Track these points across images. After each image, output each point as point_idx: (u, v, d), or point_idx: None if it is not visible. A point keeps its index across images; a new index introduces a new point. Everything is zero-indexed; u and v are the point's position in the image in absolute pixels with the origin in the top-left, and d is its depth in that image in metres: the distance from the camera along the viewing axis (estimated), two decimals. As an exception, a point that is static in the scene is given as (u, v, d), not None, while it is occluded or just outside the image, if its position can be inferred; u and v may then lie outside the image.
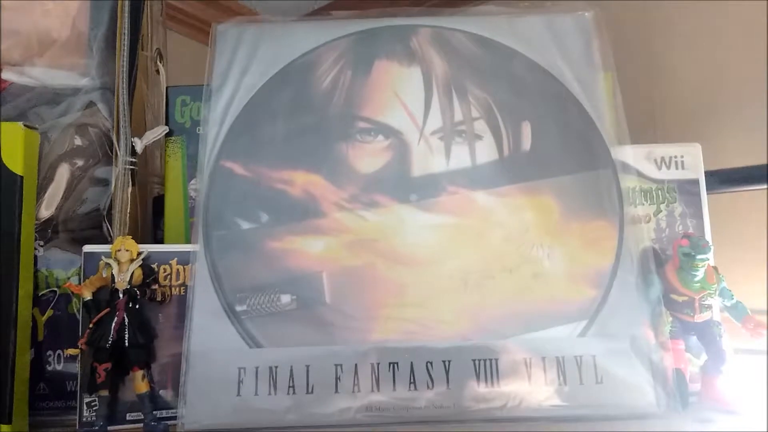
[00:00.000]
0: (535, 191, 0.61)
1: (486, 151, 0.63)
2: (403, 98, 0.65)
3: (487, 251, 0.59)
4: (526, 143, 0.63)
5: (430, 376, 0.55)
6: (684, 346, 0.57)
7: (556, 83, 0.65)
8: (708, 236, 0.62)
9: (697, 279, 0.56)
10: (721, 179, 0.65)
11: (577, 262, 0.59)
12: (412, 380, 0.55)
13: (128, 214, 0.64)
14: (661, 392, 0.55)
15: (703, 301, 0.57)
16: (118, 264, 0.56)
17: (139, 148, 0.64)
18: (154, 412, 0.55)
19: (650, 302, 0.57)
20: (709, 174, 0.64)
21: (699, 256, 0.55)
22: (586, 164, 0.62)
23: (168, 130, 0.68)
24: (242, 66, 0.66)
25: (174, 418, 0.54)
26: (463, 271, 0.59)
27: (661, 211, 0.62)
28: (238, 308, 0.58)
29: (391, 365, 0.55)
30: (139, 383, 0.54)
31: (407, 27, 0.68)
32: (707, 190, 0.63)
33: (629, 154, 0.63)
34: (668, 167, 0.63)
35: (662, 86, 0.83)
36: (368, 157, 0.63)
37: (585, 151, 0.62)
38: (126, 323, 0.54)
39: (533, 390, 0.55)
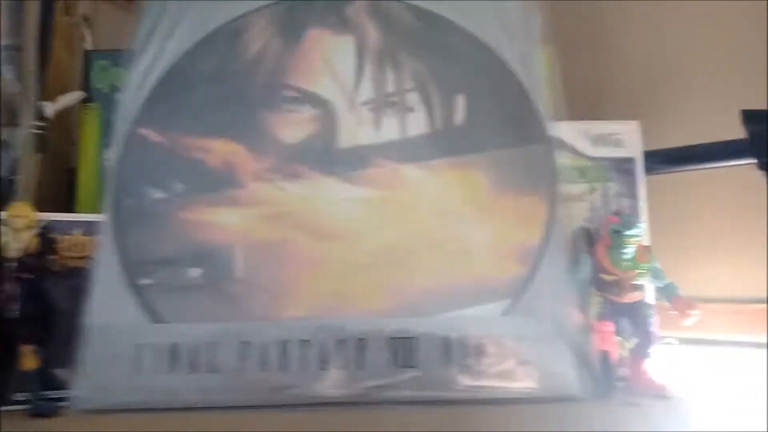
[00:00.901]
0: (466, 165, 0.58)
1: (417, 124, 0.60)
2: (334, 68, 0.62)
3: (413, 226, 0.56)
4: (460, 116, 0.61)
5: (343, 355, 0.52)
6: (613, 328, 0.54)
7: (494, 57, 0.63)
8: (643, 217, 0.60)
9: (626, 258, 0.54)
10: (660, 159, 0.63)
11: (505, 238, 0.56)
12: (323, 359, 0.52)
13: (35, 181, 0.59)
14: (586, 375, 0.52)
15: (633, 281, 0.54)
16: (13, 231, 0.52)
17: (49, 112, 0.60)
18: (47, 392, 0.51)
19: (579, 282, 0.55)
20: (647, 154, 0.62)
21: (627, 233, 0.52)
22: (520, 139, 0.59)
23: (84, 96, 0.64)
24: (166, 29, 0.62)
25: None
26: (386, 247, 0.56)
27: (596, 189, 0.60)
28: (143, 281, 0.54)
29: (302, 343, 0.52)
30: (27, 359, 0.50)
31: (342, -5, 0.65)
32: (645, 170, 0.61)
33: (565, 131, 0.60)
34: (605, 145, 0.61)
35: (607, 63, 0.80)
36: (293, 126, 0.60)
37: (519, 126, 0.60)
38: (17, 295, 0.50)
39: (452, 371, 0.52)
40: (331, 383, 0.51)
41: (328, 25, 0.63)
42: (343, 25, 0.63)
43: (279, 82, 0.61)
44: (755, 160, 0.56)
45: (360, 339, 0.52)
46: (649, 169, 0.61)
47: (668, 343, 0.71)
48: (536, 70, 0.62)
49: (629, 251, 0.54)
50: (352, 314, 0.53)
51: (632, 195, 0.60)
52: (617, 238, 0.53)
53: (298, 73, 0.61)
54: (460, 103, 0.61)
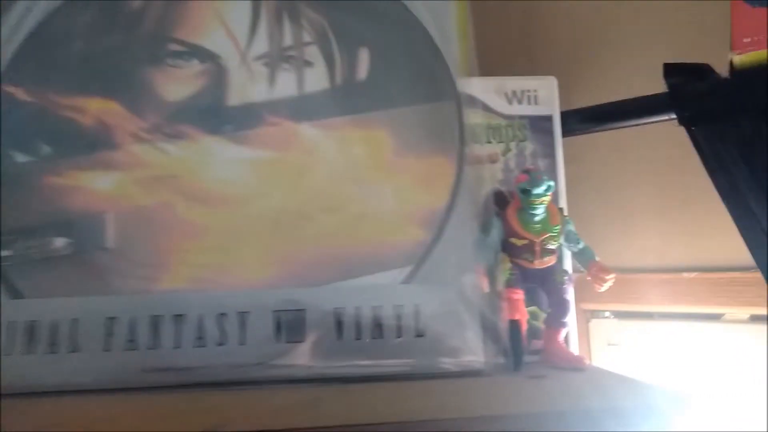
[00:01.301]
0: (368, 123, 0.54)
1: (316, 80, 0.55)
2: (226, 19, 0.56)
3: (307, 189, 0.51)
4: (362, 71, 0.55)
5: (221, 330, 0.47)
6: (522, 296, 0.50)
7: (401, 7, 0.58)
8: (561, 178, 0.55)
9: (537, 219, 0.50)
10: (578, 118, 0.59)
11: (408, 201, 0.51)
12: (200, 335, 0.46)
13: None
14: (492, 347, 0.47)
15: (545, 244, 0.50)
16: None
17: None
18: None
19: (488, 247, 0.51)
20: (566, 114, 0.57)
21: (536, 192, 0.48)
22: (427, 96, 0.55)
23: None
24: (40, -21, 0.56)
25: None
26: (277, 211, 0.51)
27: (510, 150, 0.55)
28: (2, 253, 0.48)
29: (177, 319, 0.46)
30: None
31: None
32: (564, 130, 0.56)
33: (477, 87, 0.56)
34: (520, 102, 0.56)
35: (524, 16, 0.76)
36: (178, 83, 0.54)
37: (427, 82, 0.55)
38: None
39: (343, 345, 0.47)
40: (208, 361, 0.46)
41: (221, -27, 0.58)
42: (237, -28, 0.58)
43: (163, 36, 0.55)
44: (675, 115, 0.52)
45: (241, 313, 0.47)
46: (568, 129, 0.57)
47: (601, 317, 0.67)
48: (447, 23, 0.57)
49: (539, 212, 0.49)
50: (235, 286, 0.48)
51: (549, 155, 0.56)
52: (525, 198, 0.49)
53: (186, 26, 0.56)
54: (364, 57, 0.56)
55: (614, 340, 0.67)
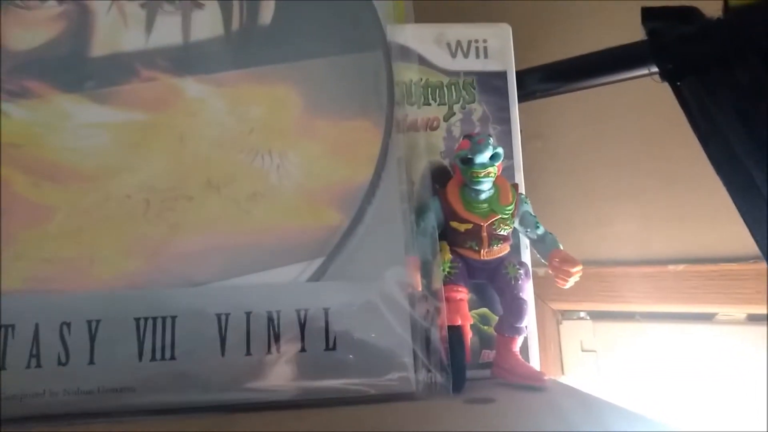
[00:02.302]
0: (270, 79, 0.42)
1: (207, 25, 0.43)
2: (96, -52, 0.44)
3: (187, 161, 0.40)
4: (266, 14, 0.44)
5: (64, 344, 0.35)
6: (467, 296, 0.39)
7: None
8: (517, 150, 0.44)
9: (482, 197, 0.39)
10: (539, 77, 0.48)
11: (320, 175, 0.40)
12: (34, 352, 0.35)
13: None
14: (426, 362, 0.36)
15: (494, 229, 0.39)
16: None
17: None
18: None
19: (422, 233, 0.39)
20: (522, 73, 0.47)
21: (479, 159, 0.37)
22: (347, 45, 0.43)
23: None
24: None
25: None
26: (147, 189, 0.39)
27: (455, 114, 0.44)
28: None
29: (6, 329, 0.35)
30: None
31: None
32: (521, 94, 0.45)
33: (412, 36, 0.45)
34: (466, 55, 0.45)
35: None
36: (27, 28, 0.42)
37: (347, 27, 0.44)
38: None
39: (227, 363, 0.35)
40: (45, 386, 0.34)
41: None
42: None
43: (13, -31, 0.43)
44: (656, 68, 0.42)
45: (91, 322, 0.35)
46: (526, 92, 0.46)
47: (574, 319, 0.57)
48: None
49: (485, 188, 0.38)
50: (84, 287, 0.36)
51: (503, 120, 0.45)
52: (466, 169, 0.38)
53: (43, -43, 0.44)
54: (269, -6, 0.44)
55: (589, 346, 0.56)
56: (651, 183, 0.54)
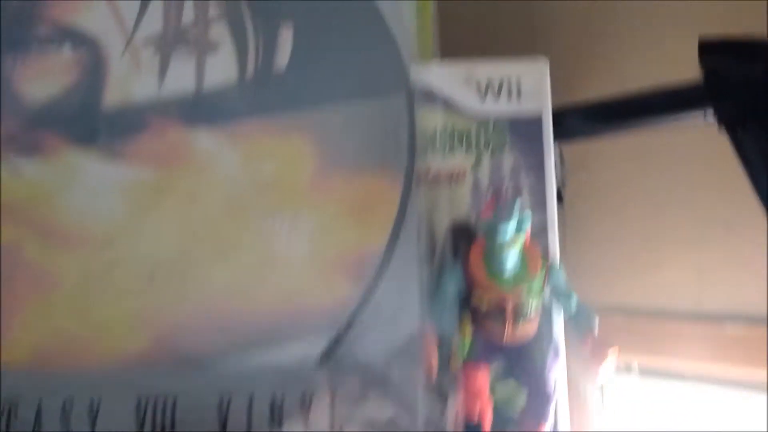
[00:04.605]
0: (285, 129, 0.40)
1: (221, 69, 0.41)
2: (111, -10, 0.43)
3: (196, 225, 0.38)
4: (283, 57, 0.41)
5: (65, 423, 0.34)
6: (487, 375, 0.36)
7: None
8: (552, 203, 0.40)
9: (507, 266, 0.35)
10: (578, 117, 0.43)
11: (332, 241, 0.37)
12: (36, 429, 0.34)
13: None
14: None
15: (521, 302, 0.35)
16: None
17: None
18: None
19: (441, 306, 0.36)
20: (560, 111, 0.42)
21: (503, 231, 0.33)
22: (366, 90, 0.40)
23: None
24: None
25: None
26: (154, 257, 0.37)
27: (483, 162, 0.40)
28: None
29: (9, 409, 0.34)
30: None
31: None
32: (558, 133, 0.41)
33: (438, 76, 0.41)
34: (497, 95, 0.41)
35: None
36: (44, 76, 0.41)
37: (367, 70, 0.41)
38: None
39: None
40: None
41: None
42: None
43: (32, 13, 0.42)
44: (712, 110, 0.36)
45: (93, 400, 0.35)
46: (564, 132, 0.41)
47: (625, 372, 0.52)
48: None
49: (510, 257, 0.34)
50: (89, 364, 0.36)
51: (538, 169, 0.41)
52: (491, 238, 0.34)
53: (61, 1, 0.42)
54: (286, 36, 0.41)
55: (631, 402, 0.52)
56: (708, 229, 0.48)
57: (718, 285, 0.47)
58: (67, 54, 0.41)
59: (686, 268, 0.49)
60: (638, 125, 0.42)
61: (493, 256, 0.35)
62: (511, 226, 0.34)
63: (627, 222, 0.50)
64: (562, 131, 0.41)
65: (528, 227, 0.35)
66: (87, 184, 0.39)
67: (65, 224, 0.38)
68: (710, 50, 0.37)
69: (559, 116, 0.41)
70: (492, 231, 0.34)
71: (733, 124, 0.35)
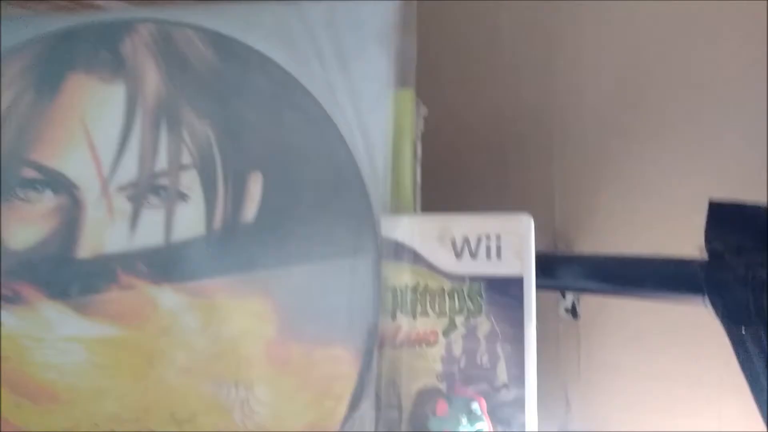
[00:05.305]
0: (248, 290, 0.39)
1: (189, 222, 0.41)
2: (93, 132, 0.43)
3: (153, 389, 0.38)
4: (251, 209, 0.40)
5: None
6: None
7: (318, 108, 0.41)
8: (531, 378, 0.37)
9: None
10: (572, 270, 0.39)
11: (286, 418, 0.36)
12: None
13: None
14: None
15: None
16: None
17: None
18: None
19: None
20: (553, 258, 0.38)
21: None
22: (335, 247, 0.38)
23: None
24: None
25: None
26: (114, 419, 0.38)
27: (456, 327, 0.38)
28: None
29: None
30: None
31: (121, 23, 0.46)
32: (543, 282, 0.37)
33: (411, 231, 0.38)
34: (474, 254, 0.38)
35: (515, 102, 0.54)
36: (26, 224, 0.42)
37: (338, 223, 0.39)
38: None
39: None
40: None
41: (95, 66, 0.45)
42: (115, 65, 0.44)
43: (20, 156, 0.44)
44: (707, 298, 0.32)
45: None
46: (552, 283, 0.38)
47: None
48: (378, 128, 0.40)
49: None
50: None
51: (516, 339, 0.37)
52: (440, 441, 0.32)
53: (45, 143, 0.44)
54: (255, 186, 0.40)
55: None
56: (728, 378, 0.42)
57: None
58: (49, 199, 0.42)
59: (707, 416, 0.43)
60: (632, 291, 0.38)
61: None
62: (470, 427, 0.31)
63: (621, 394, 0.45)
64: (548, 279, 0.38)
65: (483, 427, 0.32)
66: (57, 338, 0.39)
67: (37, 379, 0.39)
68: (719, 221, 0.32)
69: (547, 262, 0.38)
70: (439, 434, 0.32)
71: (732, 321, 0.31)
